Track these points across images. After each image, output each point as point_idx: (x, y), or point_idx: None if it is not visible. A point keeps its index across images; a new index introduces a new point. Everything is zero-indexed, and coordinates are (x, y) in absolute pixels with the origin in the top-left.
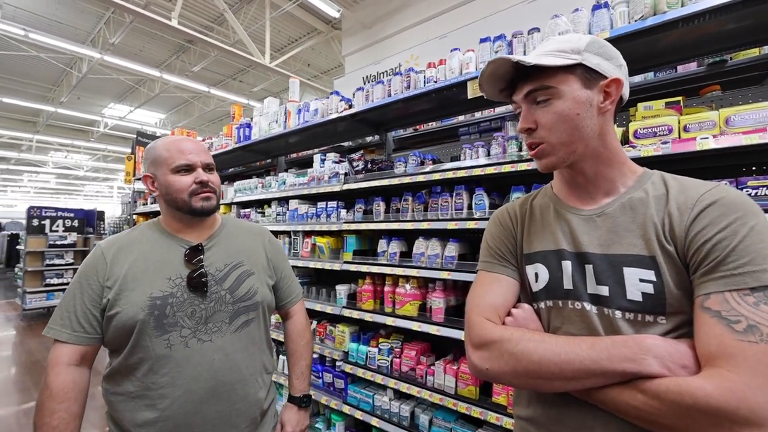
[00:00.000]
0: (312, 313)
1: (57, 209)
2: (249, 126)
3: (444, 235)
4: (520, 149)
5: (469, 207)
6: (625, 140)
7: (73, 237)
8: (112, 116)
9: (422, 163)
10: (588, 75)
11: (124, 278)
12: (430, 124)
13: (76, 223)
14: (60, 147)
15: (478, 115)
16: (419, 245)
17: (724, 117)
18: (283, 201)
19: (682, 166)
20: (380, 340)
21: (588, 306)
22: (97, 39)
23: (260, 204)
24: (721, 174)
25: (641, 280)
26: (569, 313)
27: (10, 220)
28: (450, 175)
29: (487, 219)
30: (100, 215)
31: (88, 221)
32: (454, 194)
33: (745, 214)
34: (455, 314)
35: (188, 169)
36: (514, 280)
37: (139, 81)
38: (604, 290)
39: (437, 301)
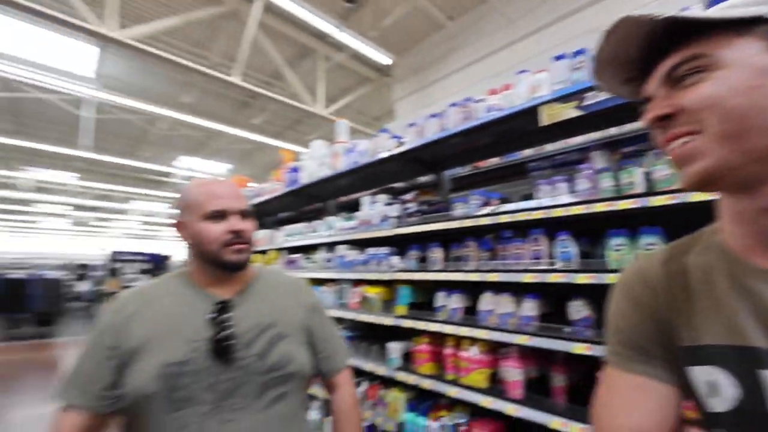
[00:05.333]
0: (360, 373)
1: (135, 254)
2: (296, 170)
3: (518, 290)
4: (617, 182)
5: (550, 255)
6: None
7: (142, 279)
8: (183, 167)
9: (486, 204)
10: None
11: (140, 340)
12: (491, 160)
13: (150, 266)
14: (141, 196)
15: (549, 147)
16: (487, 301)
17: None
18: (331, 246)
19: None
20: (441, 412)
21: None
22: (173, 101)
23: (309, 249)
24: None
25: None
26: None
27: (99, 263)
28: (522, 216)
29: (576, 271)
30: (166, 259)
31: (157, 264)
32: (530, 240)
33: None
34: (538, 390)
35: (221, 215)
36: (669, 387)
37: (207, 136)
38: None
39: (513, 372)
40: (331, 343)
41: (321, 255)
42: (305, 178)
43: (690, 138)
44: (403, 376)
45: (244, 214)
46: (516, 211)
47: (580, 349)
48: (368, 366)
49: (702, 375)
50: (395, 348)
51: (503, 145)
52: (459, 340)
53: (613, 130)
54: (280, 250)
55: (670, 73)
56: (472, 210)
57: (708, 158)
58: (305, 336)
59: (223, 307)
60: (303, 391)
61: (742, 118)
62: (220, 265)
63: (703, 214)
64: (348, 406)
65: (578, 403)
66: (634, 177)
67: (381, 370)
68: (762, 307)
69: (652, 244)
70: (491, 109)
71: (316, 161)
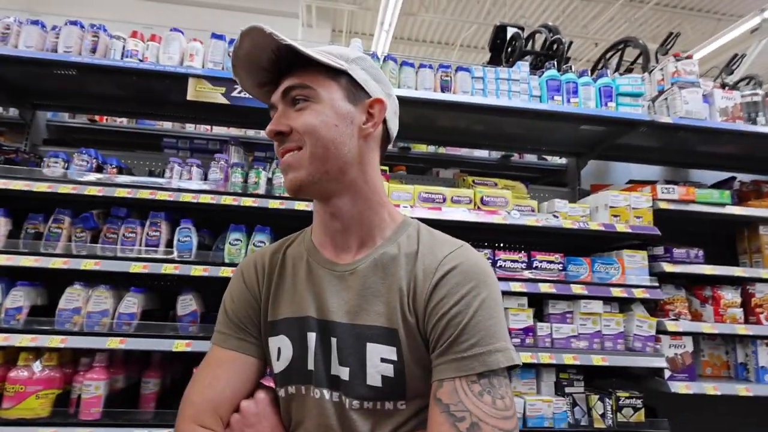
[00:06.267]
0: None
1: None
2: None
3: (122, 282)
4: (246, 180)
5: (169, 244)
6: None
7: None
8: None
9: (99, 169)
10: (353, 88)
11: None
12: (118, 120)
13: None
14: None
15: (190, 128)
16: (73, 296)
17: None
18: None
19: None
20: None
21: (327, 393)
22: None
23: None
24: None
25: (382, 360)
26: (310, 403)
27: None
28: (145, 194)
29: (194, 263)
30: None
31: None
32: (149, 223)
33: (477, 284)
34: (123, 403)
35: None
36: (255, 360)
37: None
38: (345, 373)
39: (93, 387)
40: None
41: None
42: None
43: (295, 152)
44: None
45: None
46: (141, 187)
47: (180, 346)
48: None
49: (275, 343)
50: None
51: (135, 106)
52: (16, 355)
53: (251, 132)
54: None
55: (286, 91)
56: (73, 172)
57: (302, 170)
58: None
59: None
60: None
61: (326, 146)
62: None
63: (306, 219)
64: None
65: (170, 407)
66: (260, 178)
67: None
68: (317, 285)
69: (261, 242)
70: (131, 53)
71: None
